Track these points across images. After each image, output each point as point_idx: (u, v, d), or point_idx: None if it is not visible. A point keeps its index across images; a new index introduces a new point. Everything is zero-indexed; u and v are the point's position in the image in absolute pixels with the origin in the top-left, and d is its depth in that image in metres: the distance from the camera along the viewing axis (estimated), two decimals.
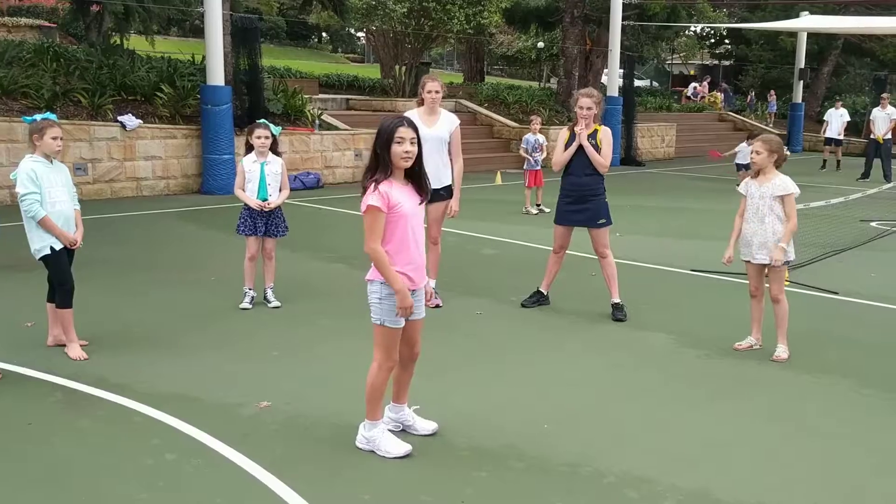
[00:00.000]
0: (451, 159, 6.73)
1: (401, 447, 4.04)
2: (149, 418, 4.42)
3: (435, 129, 6.54)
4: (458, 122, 6.74)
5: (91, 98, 13.23)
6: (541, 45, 35.34)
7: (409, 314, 3.91)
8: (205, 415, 4.47)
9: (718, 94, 34.27)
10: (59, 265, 5.29)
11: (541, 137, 12.67)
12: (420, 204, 3.97)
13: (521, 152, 12.64)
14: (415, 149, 3.84)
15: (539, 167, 12.55)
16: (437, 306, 6.79)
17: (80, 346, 5.41)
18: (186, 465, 3.90)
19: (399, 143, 3.80)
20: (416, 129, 3.85)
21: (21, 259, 5.30)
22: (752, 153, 5.69)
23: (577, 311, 6.88)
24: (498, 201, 13.66)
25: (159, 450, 4.04)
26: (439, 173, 6.51)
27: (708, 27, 35.56)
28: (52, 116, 5.36)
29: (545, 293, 7.03)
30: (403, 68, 22.32)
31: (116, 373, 5.06)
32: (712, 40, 40.19)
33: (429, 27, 21.43)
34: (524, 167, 12.68)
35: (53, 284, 5.38)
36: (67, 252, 5.34)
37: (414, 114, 6.35)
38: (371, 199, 3.79)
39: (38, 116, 5.29)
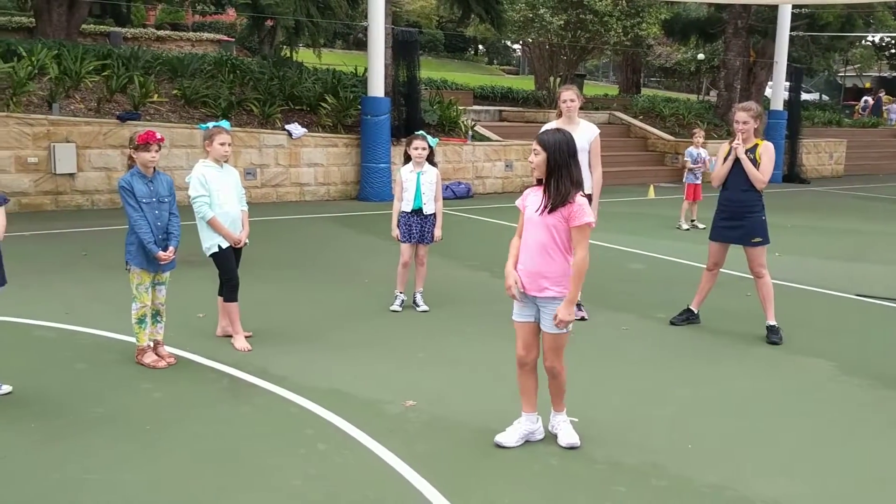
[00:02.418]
0: (590, 169, 6.70)
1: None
2: (304, 409, 4.70)
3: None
4: (598, 131, 6.70)
5: (262, 107, 14.12)
6: (701, 56, 34.27)
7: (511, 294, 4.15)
8: (354, 409, 4.70)
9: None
10: (225, 262, 5.71)
11: (703, 151, 12.36)
12: (537, 212, 4.08)
13: (685, 164, 12.40)
14: (534, 158, 4.08)
15: (699, 181, 12.24)
16: (583, 319, 6.77)
17: (245, 337, 5.82)
18: (336, 455, 4.12)
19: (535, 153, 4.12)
20: (542, 142, 4.07)
21: (196, 255, 5.77)
22: None
23: (728, 331, 6.66)
24: (649, 215, 13.39)
25: (312, 440, 4.29)
26: None
27: (888, 37, 33.26)
28: (226, 124, 5.80)
29: (696, 311, 6.86)
30: (558, 80, 22.31)
31: (276, 365, 5.41)
32: (893, 50, 37.54)
33: (585, 39, 21.33)
34: (684, 180, 12.41)
35: (221, 280, 5.82)
36: (234, 251, 5.76)
37: (552, 125, 6.42)
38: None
39: (211, 124, 5.74)
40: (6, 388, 4.76)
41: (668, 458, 4.21)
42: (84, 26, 22.79)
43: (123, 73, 13.35)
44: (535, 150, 4.08)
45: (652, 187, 16.54)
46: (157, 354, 5.35)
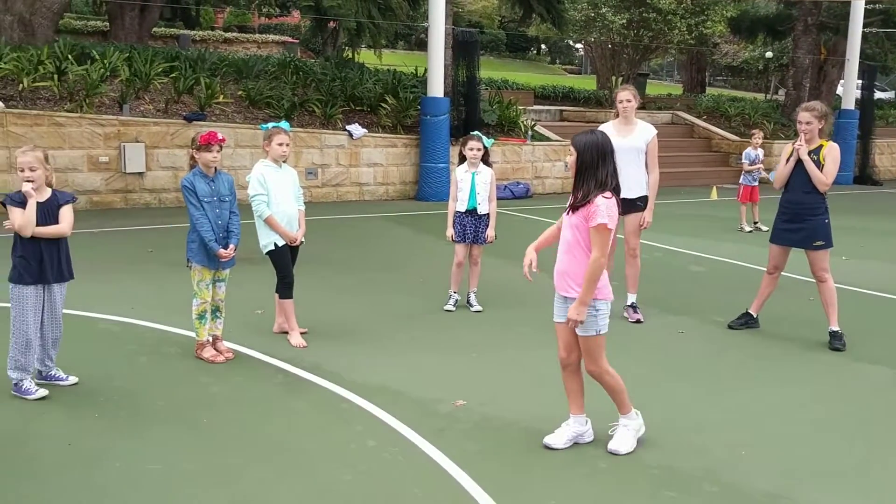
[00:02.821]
0: (647, 171, 6.63)
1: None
2: (355, 406, 4.77)
3: (630, 139, 6.49)
4: (655, 132, 6.62)
5: (324, 108, 14.33)
6: (769, 54, 33.47)
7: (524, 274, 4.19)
8: (405, 407, 4.75)
9: None
10: (281, 260, 5.82)
11: (761, 152, 12.09)
12: (565, 212, 4.14)
13: (743, 166, 12.13)
14: (569, 159, 4.11)
15: (756, 183, 11.97)
16: (638, 321, 6.70)
17: (301, 333, 5.93)
18: (385, 452, 4.18)
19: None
20: (574, 143, 4.09)
21: (255, 253, 5.90)
22: None
23: (789, 336, 6.51)
24: (711, 217, 13.15)
25: (362, 436, 4.36)
26: (633, 183, 6.43)
27: None
28: (286, 125, 5.92)
29: (755, 315, 6.72)
30: (619, 79, 22.06)
31: (329, 361, 5.50)
32: None
33: (648, 38, 21.05)
34: (740, 181, 12.15)
35: (277, 277, 5.94)
36: (291, 249, 5.88)
37: (609, 125, 6.38)
38: None
39: (270, 125, 5.87)
40: (73, 379, 4.95)
41: (721, 464, 4.15)
42: (155, 29, 23.47)
43: (190, 75, 13.72)
44: (569, 150, 4.11)
45: (715, 189, 16.23)
46: (215, 349, 5.49)
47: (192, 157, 5.38)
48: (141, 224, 10.83)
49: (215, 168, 5.38)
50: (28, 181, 4.56)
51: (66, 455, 4.03)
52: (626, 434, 4.28)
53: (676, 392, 5.22)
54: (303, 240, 5.91)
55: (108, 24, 21.30)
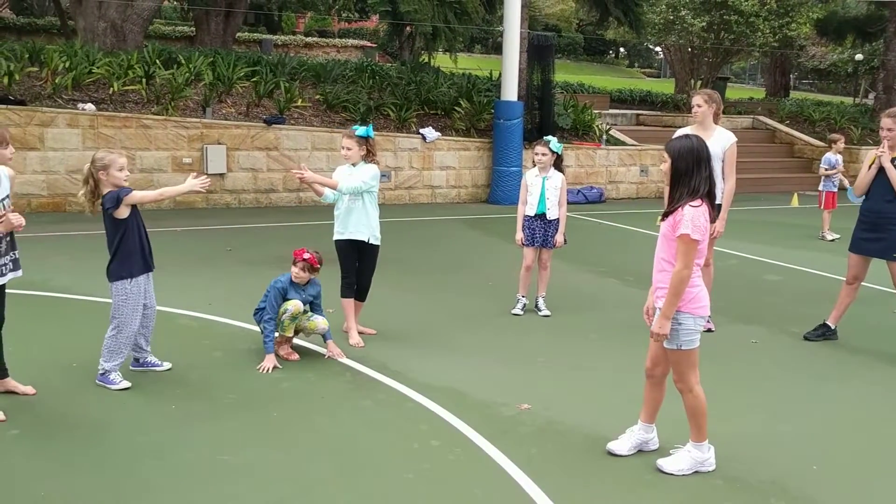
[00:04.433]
0: (723, 178, 6.49)
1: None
2: (420, 406, 4.84)
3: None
4: (734, 139, 6.47)
5: (398, 112, 14.52)
6: (859, 57, 32.29)
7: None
8: (469, 409, 4.79)
9: None
10: (343, 259, 5.96)
11: (840, 157, 11.71)
12: (660, 221, 4.05)
13: (821, 172, 11.76)
14: (663, 166, 4.03)
15: (836, 189, 11.60)
16: (709, 330, 6.59)
17: (367, 334, 6.05)
18: (448, 452, 4.23)
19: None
20: (667, 149, 4.02)
21: (330, 253, 6.01)
22: None
23: (868, 349, 6.30)
24: (791, 225, 12.79)
25: (426, 436, 4.42)
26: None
27: None
28: (358, 129, 5.99)
29: (833, 327, 6.52)
30: (699, 83, 21.64)
31: (396, 361, 5.59)
32: None
33: (729, 41, 20.58)
34: (820, 188, 11.78)
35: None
36: (364, 258, 5.98)
37: (687, 130, 6.27)
38: None
39: (355, 128, 5.98)
40: (167, 365, 5.28)
41: (791, 478, 4.06)
42: (238, 34, 24.18)
43: (271, 80, 14.09)
44: (663, 157, 4.04)
45: (796, 195, 15.76)
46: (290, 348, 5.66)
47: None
48: (221, 223, 11.18)
49: (309, 280, 5.62)
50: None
51: (142, 444, 4.21)
52: (684, 457, 4.10)
53: (747, 403, 5.12)
54: (303, 173, 5.63)
55: (194, 29, 22.06)
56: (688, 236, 3.83)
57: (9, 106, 11.37)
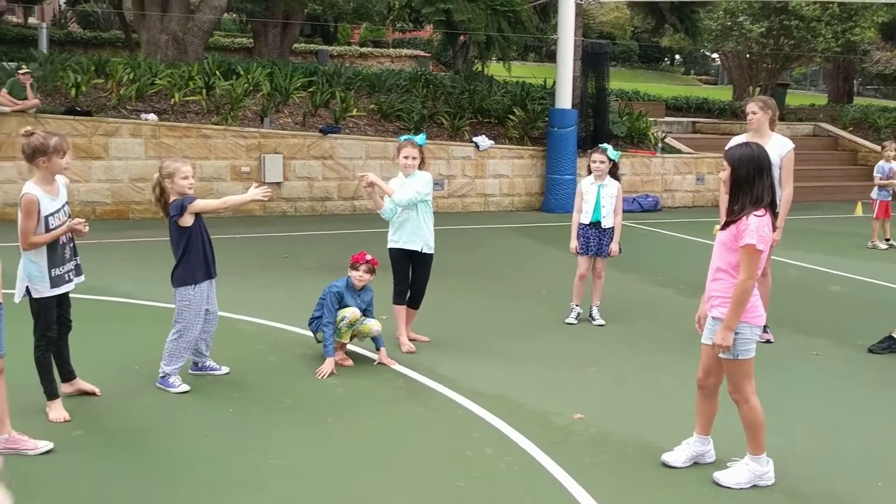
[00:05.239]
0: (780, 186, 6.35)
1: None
2: (472, 413, 4.84)
3: None
4: (792, 146, 6.32)
5: (452, 120, 14.57)
6: None
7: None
8: (522, 417, 4.77)
9: None
10: (395, 266, 6.02)
11: (895, 165, 11.36)
12: (718, 229, 3.99)
13: (877, 181, 11.42)
14: (722, 174, 3.97)
15: (890, 198, 11.26)
16: (768, 342, 6.44)
17: (420, 340, 6.09)
18: (500, 461, 4.22)
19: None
20: (727, 157, 3.96)
21: (384, 259, 6.05)
22: None
23: None
24: (853, 234, 12.43)
25: (479, 443, 4.42)
26: None
27: None
28: (414, 137, 6.04)
29: None
30: (758, 90, 21.23)
31: (449, 368, 5.60)
32: None
33: (789, 46, 20.17)
34: (872, 195, 11.44)
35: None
36: (416, 262, 6.01)
37: (743, 137, 6.16)
38: None
39: (409, 137, 6.03)
40: (225, 369, 5.40)
41: (853, 495, 3.95)
42: (295, 45, 24.58)
43: (327, 89, 14.28)
44: (723, 165, 3.98)
45: (859, 204, 15.31)
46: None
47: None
48: (277, 231, 11.36)
49: (365, 285, 5.66)
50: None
51: (200, 446, 4.30)
52: (742, 471, 4.01)
53: (809, 416, 4.99)
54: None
55: (252, 40, 22.51)
56: (753, 246, 3.77)
57: (76, 116, 11.75)
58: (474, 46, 19.20)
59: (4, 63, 13.40)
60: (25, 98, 11.43)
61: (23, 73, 11.53)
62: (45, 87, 12.47)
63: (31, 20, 30.86)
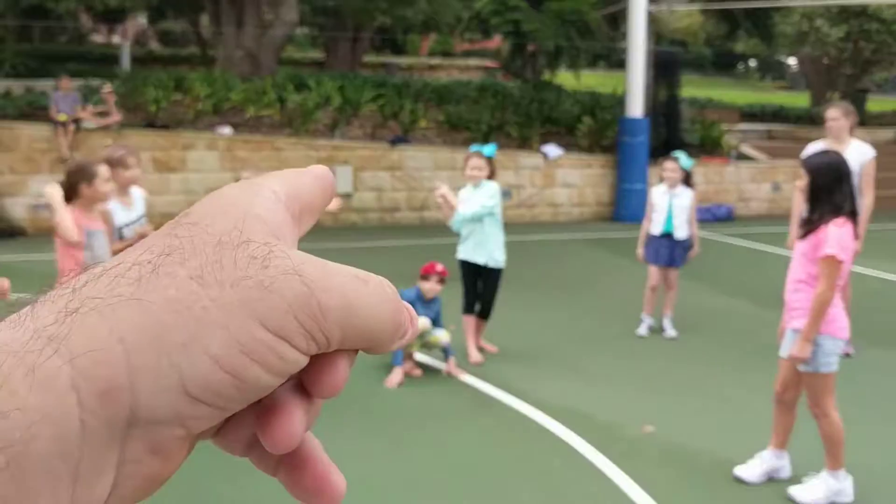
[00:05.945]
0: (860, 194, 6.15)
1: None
2: (540, 425, 4.81)
3: None
4: (873, 153, 6.12)
5: (520, 130, 14.56)
6: None
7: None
8: (592, 430, 4.72)
9: None
10: (463, 277, 6.06)
11: None
12: (797, 239, 3.90)
13: None
14: (800, 183, 3.90)
15: None
16: (847, 355, 6.22)
17: (489, 351, 6.09)
18: (570, 473, 4.19)
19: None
20: (804, 165, 3.87)
21: (453, 271, 6.10)
22: None
23: None
24: None
25: (548, 456, 4.39)
26: None
27: None
28: (481, 148, 6.07)
29: None
30: (836, 96, 20.58)
31: (517, 380, 5.58)
32: None
33: (869, 51, 19.50)
34: None
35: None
36: (481, 275, 6.04)
37: (821, 144, 6.00)
38: None
39: (478, 148, 6.07)
40: None
41: None
42: (365, 58, 24.95)
43: (396, 101, 14.46)
44: (800, 173, 3.90)
45: None
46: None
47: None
48: (347, 242, 11.52)
49: (434, 297, 5.71)
50: None
51: None
52: (819, 486, 3.89)
53: (890, 431, 4.81)
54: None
55: (324, 54, 22.96)
56: (834, 257, 3.67)
57: (155, 130, 12.18)
58: (543, 56, 19.18)
59: (89, 81, 14.01)
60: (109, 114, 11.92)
61: (108, 91, 12.03)
62: (128, 104, 12.97)
63: (115, 39, 32.14)
